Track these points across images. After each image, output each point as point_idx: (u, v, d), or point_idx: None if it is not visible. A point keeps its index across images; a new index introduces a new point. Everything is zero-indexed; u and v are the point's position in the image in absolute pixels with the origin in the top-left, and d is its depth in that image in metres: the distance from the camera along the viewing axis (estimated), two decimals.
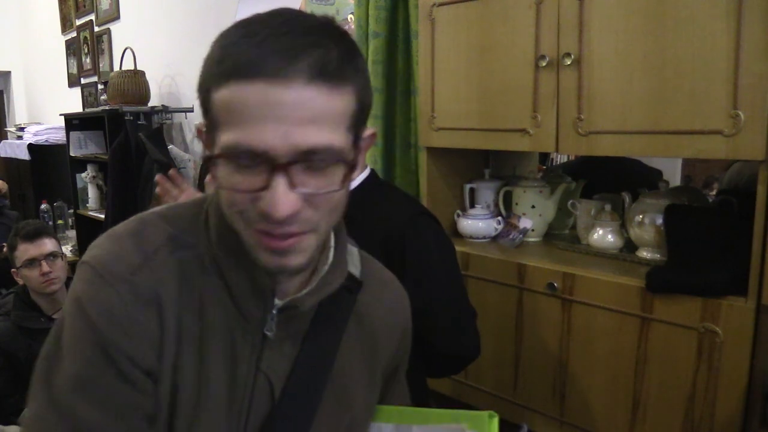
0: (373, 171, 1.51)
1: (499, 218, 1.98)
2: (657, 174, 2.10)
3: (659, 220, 1.60)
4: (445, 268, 1.46)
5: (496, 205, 2.02)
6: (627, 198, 1.74)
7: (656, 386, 1.49)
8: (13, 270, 2.38)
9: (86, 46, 5.14)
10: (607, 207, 1.78)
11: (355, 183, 1.41)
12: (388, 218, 1.42)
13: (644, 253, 1.67)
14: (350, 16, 4.46)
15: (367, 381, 0.90)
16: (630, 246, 1.73)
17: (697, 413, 1.42)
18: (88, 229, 4.45)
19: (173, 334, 0.73)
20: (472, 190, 2.04)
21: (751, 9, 1.26)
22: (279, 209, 0.65)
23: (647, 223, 1.64)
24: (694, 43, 1.35)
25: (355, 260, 0.90)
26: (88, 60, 5.15)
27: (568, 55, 1.54)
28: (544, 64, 1.60)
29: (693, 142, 1.38)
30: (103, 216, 4.02)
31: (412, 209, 1.48)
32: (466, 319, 1.46)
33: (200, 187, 2.71)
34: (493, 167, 2.12)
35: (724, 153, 1.33)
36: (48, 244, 2.37)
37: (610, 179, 2.00)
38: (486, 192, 2.05)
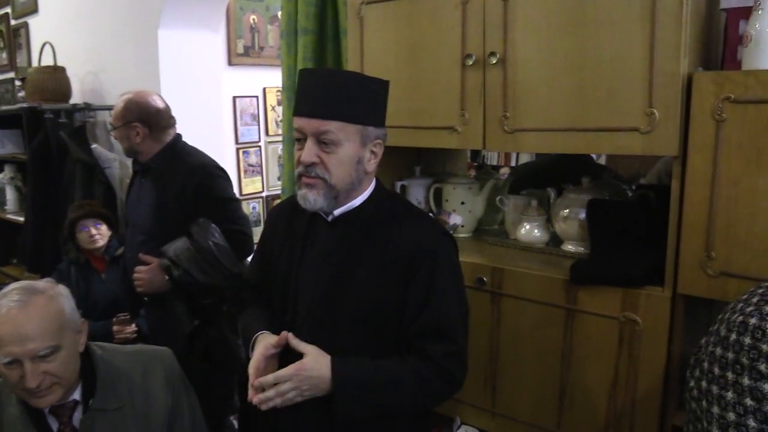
0: None
1: (430, 215, 2.00)
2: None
3: (582, 215, 1.65)
4: None
5: (427, 201, 2.04)
6: (552, 193, 1.78)
7: (581, 374, 1.54)
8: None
9: (2, 41, 4.93)
10: (534, 202, 1.82)
11: None
12: None
13: (569, 247, 1.72)
14: (280, 12, 4.44)
15: None
16: (556, 240, 1.78)
17: (619, 398, 1.48)
18: (6, 233, 4.31)
19: None
20: (402, 188, 2.06)
21: (664, 12, 1.32)
22: None
23: (571, 217, 1.69)
24: (612, 44, 1.40)
25: None
26: (4, 55, 4.95)
27: (494, 54, 1.57)
28: (470, 62, 1.62)
29: (612, 138, 1.43)
30: (22, 219, 3.86)
31: None
32: None
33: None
34: (424, 164, 2.14)
35: (640, 149, 1.39)
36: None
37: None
38: (417, 189, 2.06)
